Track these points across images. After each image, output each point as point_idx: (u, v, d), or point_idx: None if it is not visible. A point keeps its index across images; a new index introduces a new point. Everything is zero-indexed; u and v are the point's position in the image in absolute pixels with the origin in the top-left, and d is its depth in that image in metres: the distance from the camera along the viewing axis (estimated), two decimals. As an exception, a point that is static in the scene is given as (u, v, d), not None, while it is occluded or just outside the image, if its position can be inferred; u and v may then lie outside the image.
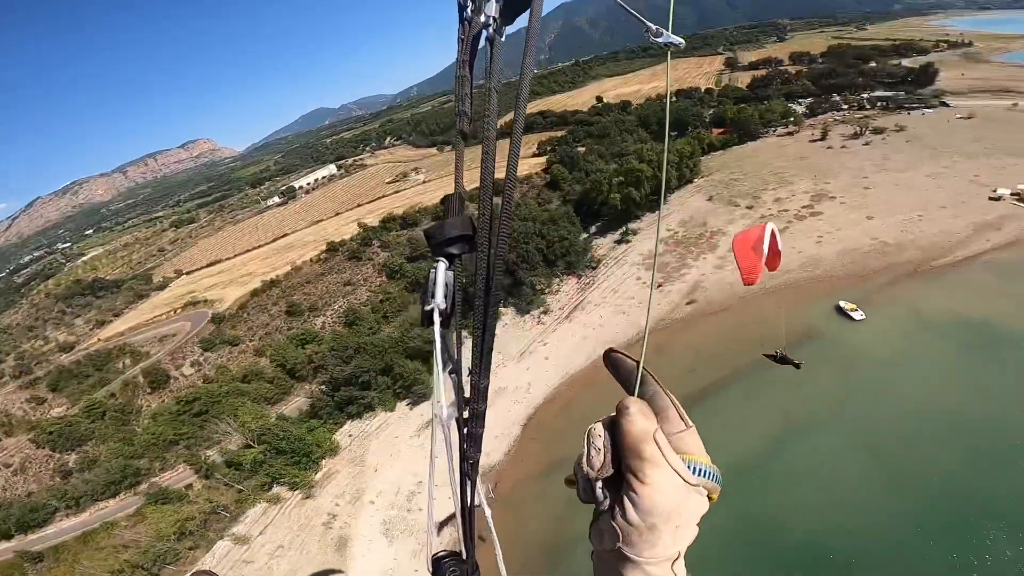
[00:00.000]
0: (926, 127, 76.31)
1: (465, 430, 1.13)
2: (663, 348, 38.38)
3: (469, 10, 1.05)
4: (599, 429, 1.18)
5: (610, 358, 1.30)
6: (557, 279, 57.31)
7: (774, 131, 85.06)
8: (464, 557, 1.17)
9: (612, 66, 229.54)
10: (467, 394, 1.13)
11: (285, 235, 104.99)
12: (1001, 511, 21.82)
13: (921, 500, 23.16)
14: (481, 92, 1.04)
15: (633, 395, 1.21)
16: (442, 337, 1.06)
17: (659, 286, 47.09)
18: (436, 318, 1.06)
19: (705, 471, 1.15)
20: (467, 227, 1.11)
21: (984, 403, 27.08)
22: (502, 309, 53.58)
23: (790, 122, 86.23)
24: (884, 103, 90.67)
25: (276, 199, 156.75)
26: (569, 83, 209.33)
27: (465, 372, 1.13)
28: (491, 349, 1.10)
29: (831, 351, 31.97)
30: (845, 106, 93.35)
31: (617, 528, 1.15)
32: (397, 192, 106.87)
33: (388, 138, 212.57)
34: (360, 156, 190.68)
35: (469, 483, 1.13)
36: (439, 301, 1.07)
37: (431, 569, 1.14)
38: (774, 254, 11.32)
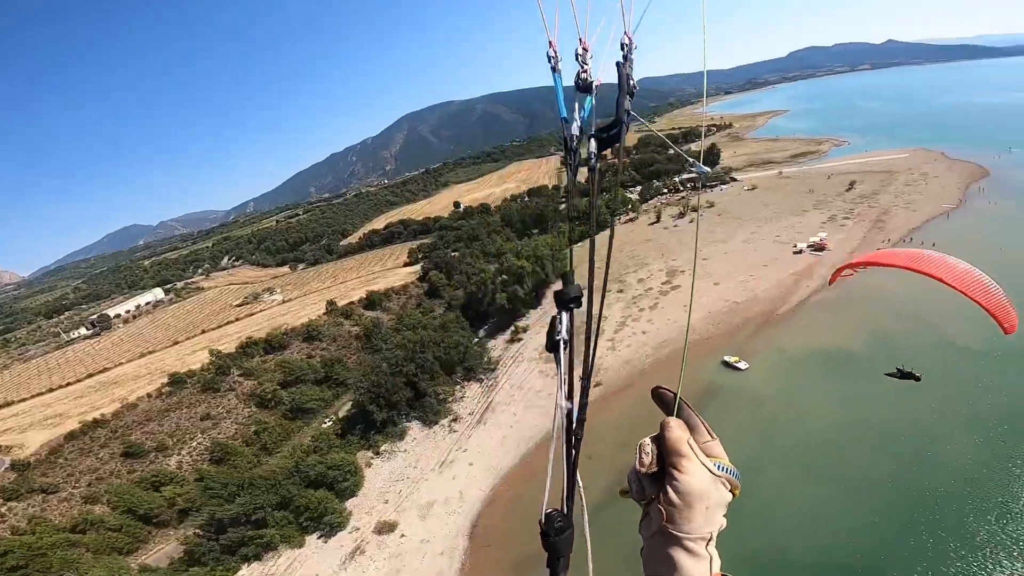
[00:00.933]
0: (727, 201, 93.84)
1: (576, 417, 1.60)
2: (587, 431, 40.29)
3: (572, 146, 1.62)
4: (648, 441, 1.69)
5: (656, 393, 1.81)
6: (458, 386, 57.64)
7: (619, 219, 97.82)
8: (565, 512, 1.56)
9: (461, 172, 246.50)
10: (577, 396, 1.59)
11: (105, 370, 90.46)
12: (907, 480, 27.17)
13: (863, 490, 28.72)
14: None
15: (672, 416, 1.71)
16: (560, 361, 1.53)
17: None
18: (562, 347, 1.53)
19: (727, 469, 1.65)
20: (579, 292, 1.61)
21: (858, 408, 34.30)
22: (407, 425, 52.32)
23: (630, 209, 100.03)
24: (692, 184, 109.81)
25: (84, 330, 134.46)
26: (423, 191, 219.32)
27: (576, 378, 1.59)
28: (592, 368, 1.61)
29: (734, 400, 36.86)
30: (666, 190, 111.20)
31: (662, 509, 1.61)
32: (251, 315, 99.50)
33: (226, 258, 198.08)
34: (193, 279, 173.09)
35: (575, 452, 1.56)
36: (564, 334, 1.55)
37: (543, 520, 1.51)
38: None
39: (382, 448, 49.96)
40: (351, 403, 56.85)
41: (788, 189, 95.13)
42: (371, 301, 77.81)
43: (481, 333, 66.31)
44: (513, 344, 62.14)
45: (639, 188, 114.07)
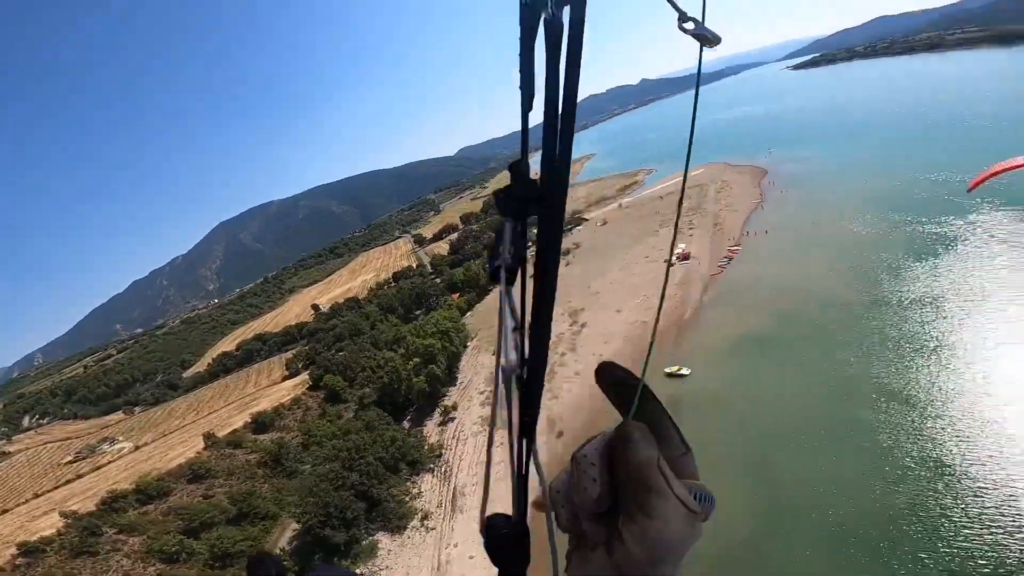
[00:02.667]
0: (588, 239, 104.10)
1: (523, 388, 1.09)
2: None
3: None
4: (592, 456, 1.14)
5: (607, 372, 1.23)
6: (409, 482, 54.94)
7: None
8: (514, 518, 1.09)
9: (305, 275, 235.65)
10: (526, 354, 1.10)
11: None
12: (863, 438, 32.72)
13: (863, 439, 32.83)
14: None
15: (631, 418, 1.15)
16: (508, 294, 1.09)
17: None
18: (502, 275, 1.07)
19: (704, 496, 1.12)
20: (534, 190, 1.11)
21: (801, 372, 40.55)
22: (374, 539, 48.35)
23: None
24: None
25: None
26: (268, 303, 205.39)
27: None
28: (552, 302, 1.12)
29: (695, 405, 40.62)
30: (531, 243, 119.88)
31: (617, 563, 1.07)
32: (98, 468, 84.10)
33: (27, 418, 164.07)
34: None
35: (527, 440, 1.10)
36: (506, 258, 1.09)
37: (483, 529, 1.08)
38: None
39: (359, 572, 45.35)
40: (295, 533, 50.97)
41: (634, 217, 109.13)
42: (261, 424, 71.65)
43: (407, 424, 64.04)
44: (447, 425, 60.90)
45: None
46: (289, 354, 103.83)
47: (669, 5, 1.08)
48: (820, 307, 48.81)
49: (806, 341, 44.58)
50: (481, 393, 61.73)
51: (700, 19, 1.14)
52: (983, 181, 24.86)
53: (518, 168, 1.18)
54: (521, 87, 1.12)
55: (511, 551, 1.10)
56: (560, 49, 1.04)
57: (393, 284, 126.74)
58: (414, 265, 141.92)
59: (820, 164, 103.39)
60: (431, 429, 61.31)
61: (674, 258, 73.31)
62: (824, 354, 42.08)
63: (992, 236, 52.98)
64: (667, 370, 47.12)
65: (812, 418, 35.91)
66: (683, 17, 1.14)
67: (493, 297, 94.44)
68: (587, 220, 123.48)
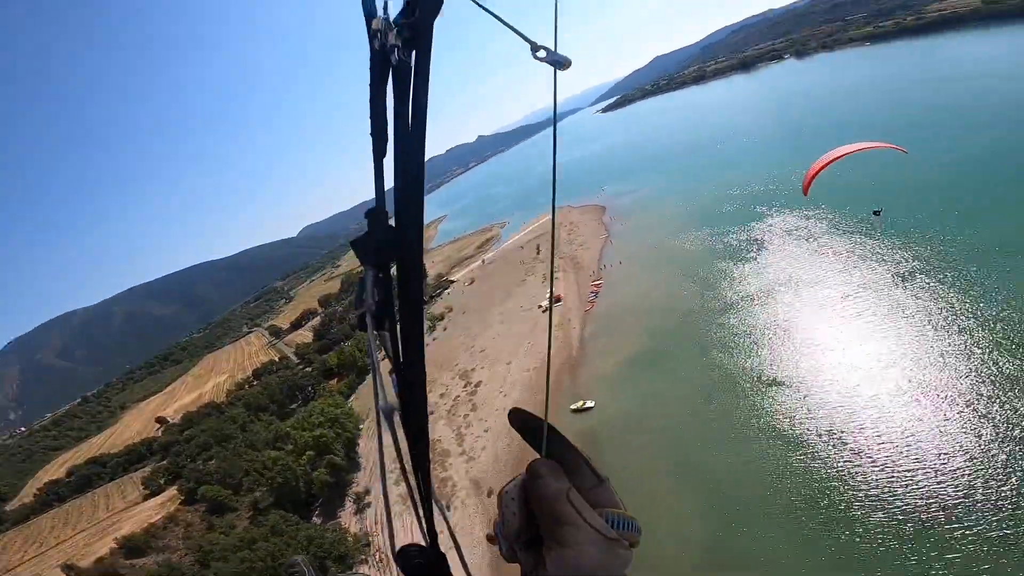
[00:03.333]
0: (459, 300, 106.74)
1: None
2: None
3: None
4: (513, 492, 1.25)
5: (516, 417, 1.34)
6: (343, 579, 51.03)
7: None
8: (426, 545, 1.20)
9: (137, 388, 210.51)
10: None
11: None
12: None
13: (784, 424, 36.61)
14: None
15: (542, 455, 1.25)
16: (378, 338, 1.17)
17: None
18: (369, 320, 1.16)
19: (624, 522, 1.18)
20: (391, 233, 1.21)
21: (683, 387, 44.97)
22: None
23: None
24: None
25: None
26: (94, 423, 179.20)
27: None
28: (422, 342, 1.20)
29: (609, 434, 42.88)
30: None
31: None
32: None
33: None
34: None
35: (421, 473, 1.21)
36: (370, 304, 1.18)
37: (396, 560, 1.17)
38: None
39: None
40: None
41: (499, 271, 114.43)
42: (134, 548, 64.25)
43: (317, 520, 59.81)
44: (364, 512, 57.97)
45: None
46: (143, 472, 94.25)
47: (522, 39, 1.21)
48: (682, 317, 55.88)
49: (681, 348, 50.72)
50: (391, 472, 59.15)
51: (552, 47, 1.25)
52: (810, 182, 28.27)
53: (375, 215, 1.26)
54: (372, 133, 1.15)
55: None
56: (408, 92, 1.15)
57: (256, 382, 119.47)
58: (276, 359, 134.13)
59: (644, 194, 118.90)
60: (348, 519, 57.85)
61: (546, 303, 78.69)
62: (699, 355, 48.40)
63: (788, 232, 65.43)
64: (573, 407, 49.42)
65: (709, 414, 40.80)
66: (535, 47, 1.24)
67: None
68: (454, 282, 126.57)
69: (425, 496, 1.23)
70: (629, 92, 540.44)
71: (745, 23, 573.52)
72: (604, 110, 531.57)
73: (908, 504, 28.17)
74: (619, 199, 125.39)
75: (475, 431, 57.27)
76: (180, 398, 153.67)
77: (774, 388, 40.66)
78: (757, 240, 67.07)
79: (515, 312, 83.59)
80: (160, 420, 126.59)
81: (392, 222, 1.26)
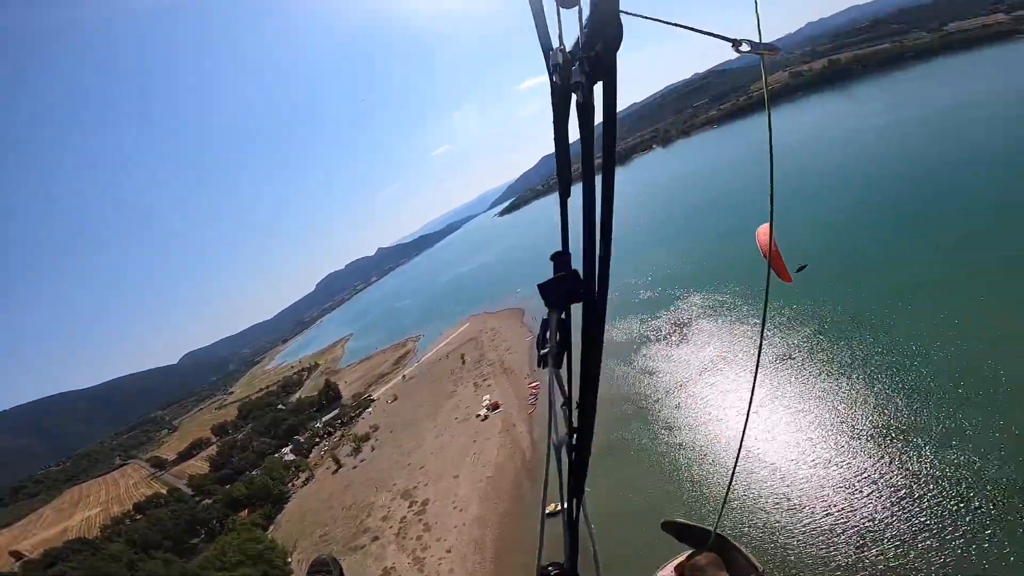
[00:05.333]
0: (386, 419, 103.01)
1: (573, 455, 1.39)
2: None
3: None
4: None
5: (670, 527, 1.58)
6: None
7: (293, 485, 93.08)
8: (567, 567, 1.36)
9: None
10: (575, 424, 1.38)
11: None
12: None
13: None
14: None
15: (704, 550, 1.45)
16: (556, 376, 1.31)
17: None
18: (550, 360, 1.32)
19: None
20: (577, 283, 1.31)
21: (654, 453, 45.09)
22: None
23: (300, 469, 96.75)
24: (339, 421, 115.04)
25: None
26: None
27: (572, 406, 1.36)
28: (597, 380, 1.30)
29: (618, 517, 40.87)
30: (318, 438, 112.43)
31: None
32: None
33: None
34: None
35: (575, 500, 1.39)
36: (552, 346, 1.34)
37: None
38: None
39: None
40: None
41: (424, 384, 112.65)
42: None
43: None
44: None
45: (288, 448, 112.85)
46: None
47: (716, 38, 1.29)
48: (630, 404, 58.29)
49: (637, 434, 52.41)
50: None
51: (756, 38, 1.35)
52: (781, 268, 25.34)
53: (561, 259, 1.40)
54: (558, 173, 1.29)
55: None
56: (593, 127, 1.14)
57: (140, 516, 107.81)
58: (164, 491, 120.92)
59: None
60: None
61: (484, 411, 78.38)
62: (657, 437, 50.76)
63: (710, 308, 72.24)
64: (547, 510, 48.06)
65: (685, 490, 42.80)
66: (736, 43, 1.33)
67: (296, 504, 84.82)
68: (375, 400, 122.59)
69: (574, 521, 1.35)
70: (523, 193, 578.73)
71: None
72: (501, 213, 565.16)
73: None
74: (535, 299, 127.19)
75: (435, 553, 53.53)
76: (38, 532, 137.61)
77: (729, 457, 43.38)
78: (681, 321, 73.01)
79: (451, 424, 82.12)
80: (15, 555, 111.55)
81: (580, 265, 1.33)
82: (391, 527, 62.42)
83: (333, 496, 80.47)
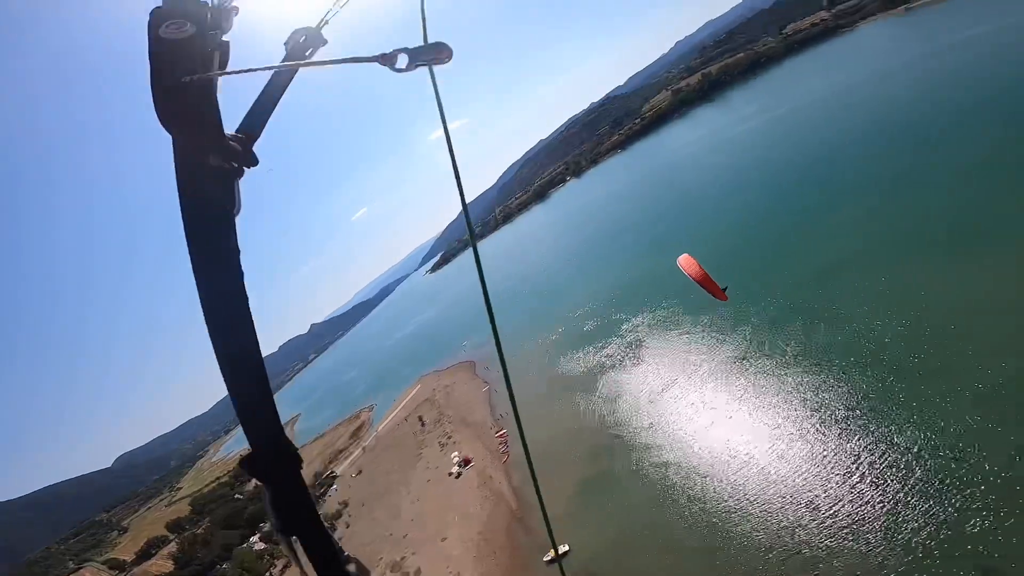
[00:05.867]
0: (354, 493, 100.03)
1: None
2: None
3: None
4: None
5: None
6: None
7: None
8: None
9: None
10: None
11: None
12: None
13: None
14: None
15: None
16: (289, 547, 1.34)
17: None
18: (281, 538, 1.32)
19: None
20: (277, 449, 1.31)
21: (637, 491, 47.56)
22: None
23: (276, 557, 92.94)
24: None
25: None
26: None
27: None
28: (330, 544, 1.39)
29: (606, 568, 43.07)
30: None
31: None
32: None
33: None
34: None
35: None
36: (273, 521, 1.34)
37: None
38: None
39: None
40: None
41: (387, 453, 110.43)
42: None
43: None
44: None
45: (255, 537, 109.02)
46: None
47: (363, 62, 1.15)
48: (603, 434, 60.27)
49: (618, 463, 54.00)
50: None
51: (423, 40, 1.14)
52: (715, 290, 27.26)
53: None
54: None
55: None
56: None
57: None
58: None
59: (505, 338, 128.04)
60: None
61: (456, 468, 78.37)
62: (638, 463, 51.94)
63: (657, 328, 76.51)
64: (546, 559, 47.49)
65: (685, 509, 43.19)
66: (386, 58, 1.16)
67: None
68: (338, 476, 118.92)
69: None
70: (451, 246, 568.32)
71: (526, 156, 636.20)
72: (432, 270, 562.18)
73: None
74: (482, 349, 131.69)
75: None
76: None
77: (707, 476, 45.96)
78: (634, 343, 76.46)
79: (424, 487, 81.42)
80: None
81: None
82: (383, 603, 61.09)
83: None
